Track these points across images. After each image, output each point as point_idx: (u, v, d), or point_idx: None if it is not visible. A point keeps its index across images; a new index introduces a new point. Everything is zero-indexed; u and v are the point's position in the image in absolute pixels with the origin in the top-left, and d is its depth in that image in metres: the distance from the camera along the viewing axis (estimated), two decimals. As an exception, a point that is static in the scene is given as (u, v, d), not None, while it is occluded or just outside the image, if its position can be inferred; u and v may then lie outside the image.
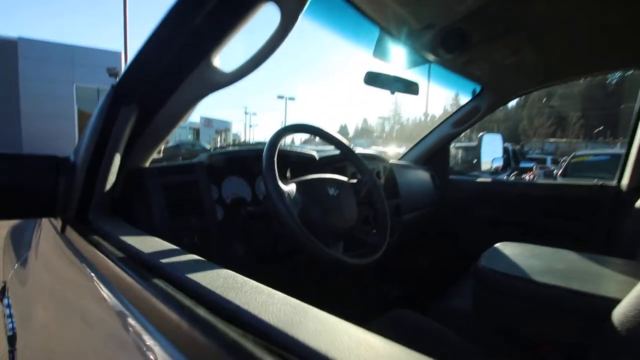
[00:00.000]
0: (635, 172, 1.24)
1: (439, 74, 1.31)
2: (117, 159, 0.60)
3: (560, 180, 5.13)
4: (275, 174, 0.68)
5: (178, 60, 0.56)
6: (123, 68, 0.61)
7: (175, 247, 0.42)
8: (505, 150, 1.93)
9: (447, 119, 1.64)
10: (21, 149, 10.69)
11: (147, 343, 0.28)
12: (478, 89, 1.51)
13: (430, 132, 1.69)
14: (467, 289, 1.04)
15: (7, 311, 0.77)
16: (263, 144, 0.75)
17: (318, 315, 0.24)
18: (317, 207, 0.75)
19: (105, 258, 0.40)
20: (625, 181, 1.26)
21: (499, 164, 1.80)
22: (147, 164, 0.74)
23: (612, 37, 1.01)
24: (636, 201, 1.13)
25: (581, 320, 0.68)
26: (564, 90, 35.20)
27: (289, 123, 0.85)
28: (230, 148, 1.07)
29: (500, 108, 1.62)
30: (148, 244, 0.41)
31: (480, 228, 1.56)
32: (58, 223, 0.64)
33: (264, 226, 0.82)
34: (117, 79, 0.58)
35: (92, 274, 0.42)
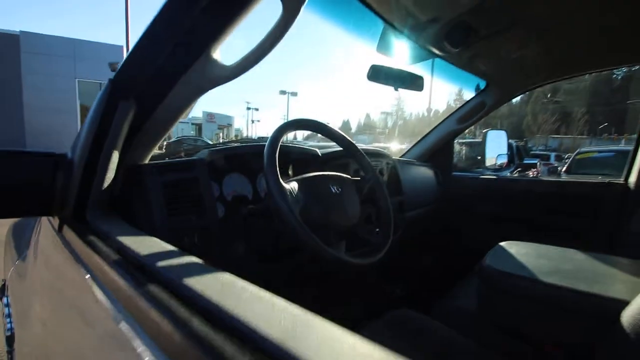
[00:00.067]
0: None
1: (442, 69, 1.29)
2: (115, 156, 0.58)
3: (564, 177, 5.10)
4: (276, 171, 0.67)
5: (177, 53, 0.54)
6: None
7: (173, 248, 0.40)
8: (509, 146, 1.91)
9: (451, 115, 1.62)
10: (24, 143, 10.74)
11: (138, 350, 0.27)
12: (482, 85, 1.49)
13: (434, 128, 1.67)
14: (470, 288, 1.03)
15: (6, 310, 0.77)
16: (265, 139, 0.73)
17: (321, 326, 0.22)
18: (319, 205, 0.74)
19: (101, 260, 0.39)
20: (632, 178, 1.24)
21: (504, 160, 1.79)
22: (147, 161, 0.73)
23: (621, 31, 0.99)
24: None
25: (588, 322, 0.67)
26: (569, 86, 34.88)
27: (291, 119, 0.84)
28: (233, 144, 1.06)
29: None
30: (145, 245, 0.40)
31: (484, 225, 1.54)
32: (55, 221, 0.63)
33: (265, 224, 0.81)
34: (115, 73, 0.57)
35: (87, 275, 0.41)
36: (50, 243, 0.65)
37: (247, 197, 0.91)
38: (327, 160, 1.07)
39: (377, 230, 0.88)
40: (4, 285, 0.92)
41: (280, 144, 0.72)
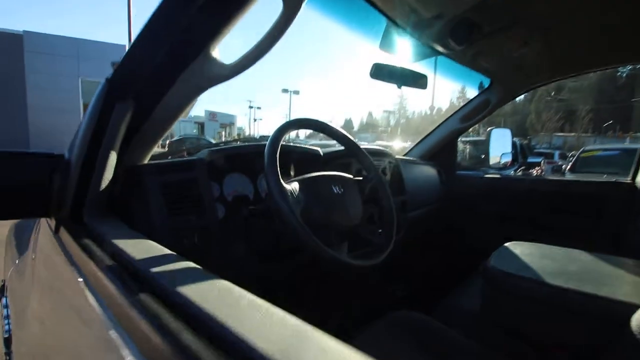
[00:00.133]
0: None
1: (445, 66, 1.28)
2: (112, 157, 0.57)
3: (568, 176, 5.06)
4: (277, 171, 0.66)
5: (175, 52, 0.53)
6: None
7: (170, 252, 0.39)
8: (513, 144, 1.90)
9: (454, 113, 1.60)
10: (28, 142, 10.80)
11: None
12: (485, 83, 1.47)
13: (438, 126, 1.66)
14: (474, 288, 1.01)
15: (5, 312, 0.76)
16: (267, 138, 0.73)
17: (319, 339, 0.21)
18: (321, 205, 0.73)
19: (94, 264, 0.38)
20: None
21: (508, 159, 1.77)
22: (146, 161, 0.72)
23: (627, 29, 0.97)
24: None
25: (595, 324, 0.65)
26: (573, 84, 34.58)
27: (292, 117, 0.83)
28: (234, 143, 1.05)
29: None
30: (141, 248, 0.39)
31: (488, 225, 1.53)
32: (53, 223, 0.63)
33: (266, 225, 0.80)
34: (111, 73, 0.56)
35: (81, 279, 0.41)
36: (47, 244, 0.65)
37: (248, 197, 0.90)
38: (329, 160, 1.06)
39: (380, 230, 0.87)
40: (3, 285, 0.92)
41: (281, 143, 0.71)
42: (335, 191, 0.76)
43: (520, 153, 6.97)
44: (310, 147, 1.04)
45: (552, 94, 35.98)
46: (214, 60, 0.55)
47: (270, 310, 0.25)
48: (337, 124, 0.88)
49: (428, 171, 1.57)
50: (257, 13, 0.53)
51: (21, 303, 0.68)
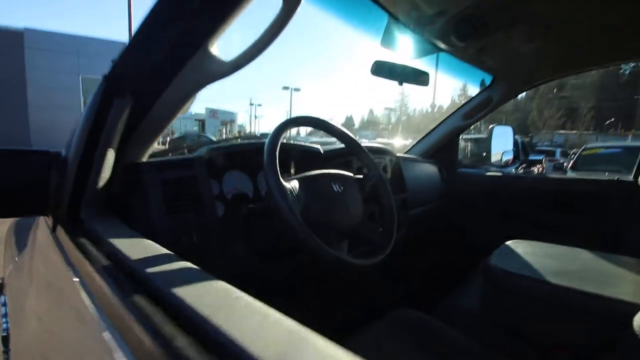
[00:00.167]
0: None
1: (447, 63, 1.26)
2: (110, 154, 0.57)
3: (570, 174, 5.04)
4: (276, 170, 0.65)
5: (173, 48, 0.52)
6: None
7: (167, 252, 0.39)
8: (514, 142, 1.89)
9: (456, 110, 1.59)
10: (29, 139, 10.81)
11: None
12: (487, 80, 1.46)
13: (439, 124, 1.64)
14: (474, 287, 1.01)
15: (3, 310, 0.76)
16: (268, 135, 0.72)
17: (316, 343, 0.21)
18: (321, 204, 0.72)
19: (89, 264, 0.37)
20: None
21: (509, 157, 1.76)
22: (145, 159, 0.71)
23: (631, 25, 0.95)
24: None
25: (597, 325, 0.65)
26: (575, 81, 34.43)
27: (293, 115, 0.82)
28: (234, 141, 1.04)
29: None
30: (138, 248, 0.39)
31: (489, 223, 1.52)
32: (50, 221, 0.62)
33: (266, 223, 0.80)
34: (109, 69, 0.55)
35: (76, 279, 0.40)
36: (45, 242, 0.64)
37: (247, 195, 0.90)
38: (330, 158, 1.05)
39: (380, 229, 0.86)
40: (2, 283, 0.92)
41: (282, 141, 0.71)
42: (336, 189, 0.76)
43: (521, 151, 6.94)
44: (311, 144, 1.04)
45: (554, 91, 35.84)
46: (212, 56, 0.55)
47: (267, 312, 0.24)
48: (338, 121, 0.87)
49: (429, 169, 1.56)
50: (256, 9, 0.52)
51: (19, 301, 0.68)
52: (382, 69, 1.09)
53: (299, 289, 1.05)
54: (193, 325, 0.23)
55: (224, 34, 0.54)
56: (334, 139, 0.90)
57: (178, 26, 0.50)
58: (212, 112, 29.05)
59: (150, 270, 0.32)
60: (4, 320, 0.72)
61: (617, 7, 0.87)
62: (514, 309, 0.76)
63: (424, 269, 1.54)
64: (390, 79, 1.13)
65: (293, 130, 0.79)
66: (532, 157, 7.83)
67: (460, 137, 1.72)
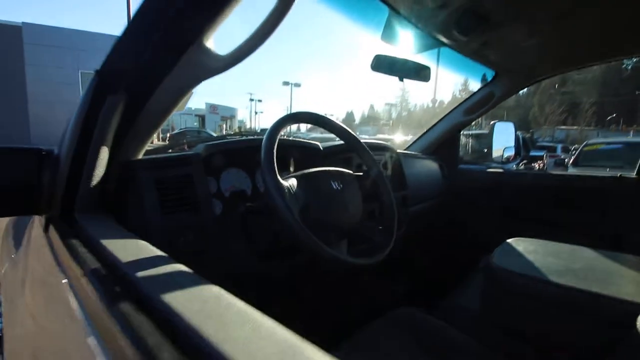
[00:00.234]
0: None
1: (449, 58, 1.24)
2: (104, 152, 0.55)
3: (571, 169, 5.02)
4: (274, 167, 0.64)
5: (167, 42, 0.51)
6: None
7: (161, 254, 0.37)
8: (516, 138, 1.88)
9: (457, 106, 1.57)
10: (29, 135, 10.79)
11: None
12: (489, 75, 1.43)
13: (440, 120, 1.63)
14: (475, 286, 1.00)
15: None
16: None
17: (310, 355, 0.19)
18: (320, 202, 0.71)
19: (78, 268, 0.36)
20: None
21: (511, 153, 1.74)
22: (140, 156, 0.70)
23: (635, 19, 0.93)
24: None
25: (599, 324, 0.64)
26: (577, 76, 34.20)
27: (293, 110, 0.80)
28: (235, 137, 1.02)
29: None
30: (131, 250, 0.37)
31: (490, 219, 1.51)
32: (42, 221, 0.61)
33: (264, 222, 0.78)
34: (101, 64, 0.53)
35: (65, 281, 0.39)
36: (38, 242, 0.63)
37: (246, 192, 0.88)
38: (329, 155, 1.04)
39: (380, 228, 0.85)
40: None
41: (280, 137, 0.69)
42: (335, 187, 0.74)
43: (522, 146, 6.91)
44: (310, 141, 1.02)
45: (556, 86, 35.64)
46: (208, 51, 0.53)
47: (261, 321, 0.23)
48: (338, 116, 0.85)
49: (430, 165, 1.55)
50: (252, 1, 0.51)
51: (13, 302, 0.67)
52: (382, 64, 1.07)
53: (299, 288, 1.05)
54: (180, 336, 0.22)
55: (220, 28, 0.52)
56: (333, 136, 0.88)
57: (172, 19, 0.48)
58: (212, 108, 28.96)
59: (140, 274, 0.31)
60: None
61: (620, 2, 0.85)
62: (514, 308, 0.75)
63: (424, 266, 1.53)
64: (391, 74, 1.11)
65: (293, 127, 0.77)
66: (533, 153, 7.81)
67: (462, 133, 1.70)
